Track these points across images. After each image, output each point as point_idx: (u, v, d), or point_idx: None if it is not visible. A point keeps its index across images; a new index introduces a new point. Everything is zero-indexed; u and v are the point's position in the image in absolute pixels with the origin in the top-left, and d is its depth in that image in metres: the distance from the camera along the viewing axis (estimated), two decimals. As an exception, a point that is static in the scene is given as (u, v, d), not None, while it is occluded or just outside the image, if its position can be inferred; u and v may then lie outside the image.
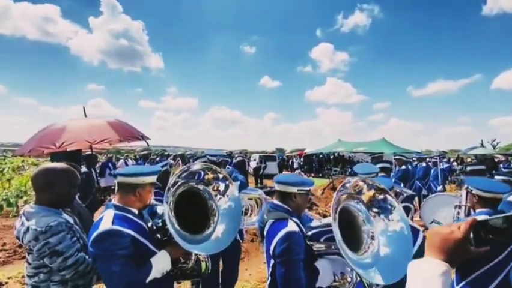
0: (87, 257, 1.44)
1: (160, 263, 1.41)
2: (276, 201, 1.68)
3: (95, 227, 1.35)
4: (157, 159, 8.71)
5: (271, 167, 16.70)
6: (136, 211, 1.51)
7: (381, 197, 1.35)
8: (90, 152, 3.40)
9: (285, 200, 1.64)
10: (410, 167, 6.27)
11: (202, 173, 1.63)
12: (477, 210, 1.93)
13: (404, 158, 6.23)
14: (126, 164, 10.23)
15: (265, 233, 1.59)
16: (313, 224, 1.66)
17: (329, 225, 1.53)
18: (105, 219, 1.37)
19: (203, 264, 1.59)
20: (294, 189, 1.61)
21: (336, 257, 1.49)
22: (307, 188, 1.65)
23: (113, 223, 1.34)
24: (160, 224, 1.54)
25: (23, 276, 3.42)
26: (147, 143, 3.03)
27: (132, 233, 1.36)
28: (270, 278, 1.56)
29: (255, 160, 16.79)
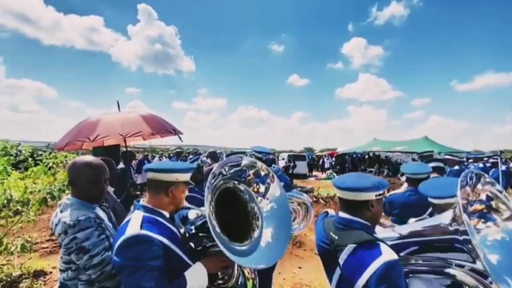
0: None
1: (196, 279, 1.19)
2: (344, 215, 1.31)
3: (121, 232, 1.17)
4: (190, 156, 8.90)
5: (301, 167, 16.29)
6: (167, 214, 1.33)
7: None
8: (126, 149, 3.45)
9: (358, 211, 1.27)
10: (463, 167, 5.61)
11: (247, 170, 1.45)
12: None
13: (456, 158, 5.59)
14: (160, 162, 10.65)
15: (340, 260, 1.23)
16: (383, 234, 1.32)
17: (409, 236, 1.28)
18: (132, 222, 1.19)
19: (249, 284, 1.33)
20: (372, 196, 1.23)
21: (431, 276, 1.21)
22: (384, 191, 1.28)
23: (141, 227, 1.16)
24: (194, 231, 1.35)
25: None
26: (180, 138, 2.97)
27: (164, 239, 1.17)
28: None
29: (283, 159, 16.48)
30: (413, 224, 1.38)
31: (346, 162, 18.78)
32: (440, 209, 1.67)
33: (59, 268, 1.43)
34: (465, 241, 1.06)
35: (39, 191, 2.88)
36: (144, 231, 1.14)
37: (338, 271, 1.25)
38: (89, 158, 1.54)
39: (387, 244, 1.18)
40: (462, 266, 1.16)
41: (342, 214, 1.32)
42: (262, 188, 1.47)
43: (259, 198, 1.45)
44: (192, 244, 1.34)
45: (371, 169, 16.91)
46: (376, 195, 1.24)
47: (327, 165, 19.30)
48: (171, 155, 16.13)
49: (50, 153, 3.30)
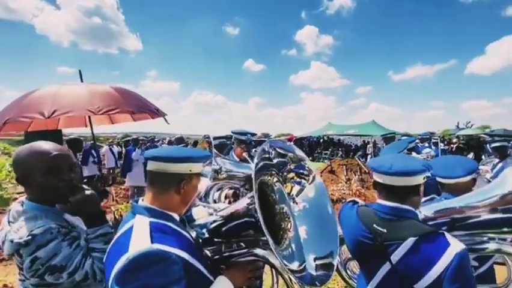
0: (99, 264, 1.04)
1: None
2: (390, 203, 1.16)
3: (120, 248, 0.83)
4: (148, 144, 8.03)
5: (263, 152, 16.38)
6: (177, 217, 1.02)
7: None
8: (92, 133, 2.74)
9: (406, 197, 1.14)
10: (416, 147, 6.30)
11: (289, 165, 1.24)
12: None
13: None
14: (111, 151, 9.41)
15: (395, 257, 1.09)
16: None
17: (438, 217, 1.22)
18: (137, 232, 0.86)
19: None
20: (421, 179, 1.13)
21: None
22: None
23: (152, 239, 0.83)
24: (207, 236, 1.09)
25: (4, 285, 2.83)
26: (166, 120, 2.45)
27: (182, 253, 0.87)
28: None
29: (245, 145, 16.31)
30: (440, 204, 1.33)
31: (303, 146, 19.75)
32: (450, 189, 1.69)
33: None
34: None
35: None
36: (157, 245, 0.81)
37: (385, 268, 1.12)
38: (41, 143, 1.11)
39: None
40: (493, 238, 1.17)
41: (386, 202, 1.17)
42: (296, 189, 1.26)
43: (290, 200, 1.25)
44: (207, 252, 1.07)
45: (326, 151, 18.12)
46: (424, 178, 1.13)
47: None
48: (120, 143, 14.48)
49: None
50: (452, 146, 13.34)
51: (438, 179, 1.74)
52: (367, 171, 10.32)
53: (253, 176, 0.94)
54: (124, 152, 8.95)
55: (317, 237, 1.11)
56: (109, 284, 0.80)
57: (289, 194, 1.25)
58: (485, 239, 1.18)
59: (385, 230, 1.12)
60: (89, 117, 2.30)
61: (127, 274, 0.77)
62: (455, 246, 1.00)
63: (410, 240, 1.06)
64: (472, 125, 28.76)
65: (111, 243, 0.91)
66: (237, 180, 2.45)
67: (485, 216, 1.14)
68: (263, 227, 0.84)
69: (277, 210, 1.20)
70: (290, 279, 1.01)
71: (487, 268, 1.34)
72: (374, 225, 1.15)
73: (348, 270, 1.56)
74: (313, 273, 0.97)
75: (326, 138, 20.00)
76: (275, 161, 1.19)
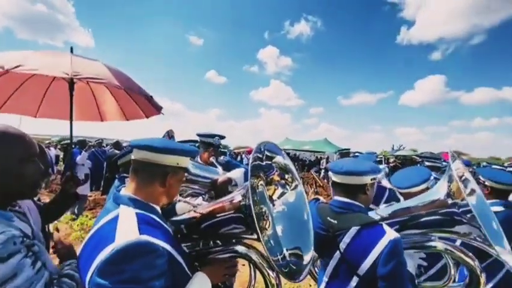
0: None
1: None
2: (341, 198, 1.32)
3: (105, 238, 0.78)
4: (95, 149, 7.24)
5: (221, 163, 16.19)
6: (159, 210, 0.99)
7: None
8: (71, 109, 2.33)
9: (354, 194, 1.30)
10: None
11: (275, 169, 1.26)
12: (489, 201, 2.04)
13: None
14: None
15: (342, 244, 1.22)
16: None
17: (390, 217, 1.35)
18: (123, 222, 0.82)
19: None
20: (368, 180, 1.29)
21: (411, 251, 1.33)
22: (377, 175, 1.35)
23: (140, 231, 0.79)
24: (185, 231, 1.10)
25: None
26: (160, 110, 2.20)
27: (167, 246, 0.85)
28: None
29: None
30: (394, 206, 1.49)
31: (262, 159, 20.12)
32: (405, 197, 1.93)
33: None
34: (463, 212, 1.16)
35: None
36: (146, 237, 0.78)
37: (336, 256, 1.25)
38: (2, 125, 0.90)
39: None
40: (443, 238, 1.32)
41: (339, 198, 1.33)
42: (278, 192, 1.29)
43: (269, 202, 1.28)
44: (184, 248, 1.07)
45: (283, 166, 18.77)
46: (371, 179, 1.31)
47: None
48: (58, 146, 12.75)
49: None
50: (390, 164, 15.20)
51: (399, 190, 1.96)
52: (321, 184, 10.99)
53: (249, 170, 0.95)
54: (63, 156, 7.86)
55: (290, 236, 1.16)
56: (88, 276, 0.74)
57: (270, 196, 1.27)
58: (432, 238, 1.33)
59: (335, 222, 1.26)
60: (71, 111, 1.79)
61: (113, 266, 0.72)
62: (390, 234, 1.13)
63: (354, 229, 1.20)
64: (403, 148, 33.33)
65: (90, 233, 0.84)
66: (200, 186, 2.28)
67: (427, 217, 1.29)
68: (255, 221, 0.85)
69: (257, 210, 1.21)
70: (268, 274, 1.03)
71: (438, 270, 1.47)
72: (328, 218, 1.29)
73: (316, 267, 1.65)
74: (287, 258, 1.03)
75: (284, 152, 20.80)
76: (264, 163, 1.21)
